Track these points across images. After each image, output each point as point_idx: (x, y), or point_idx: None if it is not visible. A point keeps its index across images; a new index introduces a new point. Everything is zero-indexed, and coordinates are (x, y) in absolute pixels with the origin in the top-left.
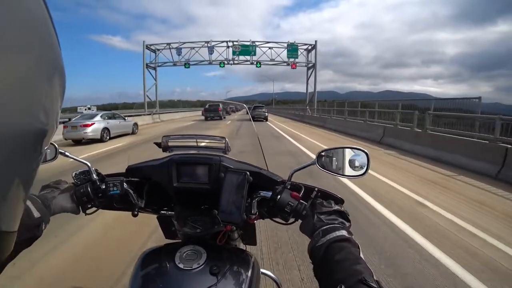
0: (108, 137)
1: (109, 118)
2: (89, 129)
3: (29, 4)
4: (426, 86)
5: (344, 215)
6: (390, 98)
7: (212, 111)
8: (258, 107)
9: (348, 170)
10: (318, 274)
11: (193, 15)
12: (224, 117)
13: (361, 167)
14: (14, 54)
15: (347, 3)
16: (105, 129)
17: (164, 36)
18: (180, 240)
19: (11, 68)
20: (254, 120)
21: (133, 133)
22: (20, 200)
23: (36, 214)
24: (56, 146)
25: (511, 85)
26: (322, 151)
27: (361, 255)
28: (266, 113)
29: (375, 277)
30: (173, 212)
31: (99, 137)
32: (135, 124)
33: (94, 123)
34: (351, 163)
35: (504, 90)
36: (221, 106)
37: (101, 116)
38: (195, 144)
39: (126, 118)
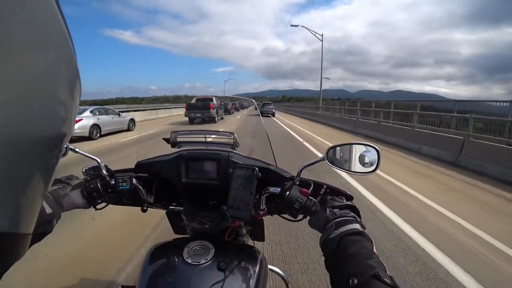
0: (98, 135)
1: (100, 113)
2: (75, 126)
3: (41, 4)
4: (437, 87)
5: (355, 210)
6: (404, 99)
7: (200, 108)
8: (267, 104)
9: (358, 167)
10: (330, 267)
11: (206, 11)
12: (222, 118)
13: (371, 164)
14: (31, 54)
15: (360, 1)
16: (95, 126)
17: (175, 31)
18: (188, 235)
19: (29, 68)
20: (262, 116)
21: (129, 129)
22: (36, 203)
23: (48, 210)
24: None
25: None
26: (332, 147)
27: (374, 250)
28: (274, 110)
29: (388, 273)
30: (181, 208)
31: (87, 134)
32: (132, 120)
33: (81, 119)
34: (361, 160)
35: None
36: (214, 101)
37: (90, 112)
38: (203, 139)
39: (120, 113)
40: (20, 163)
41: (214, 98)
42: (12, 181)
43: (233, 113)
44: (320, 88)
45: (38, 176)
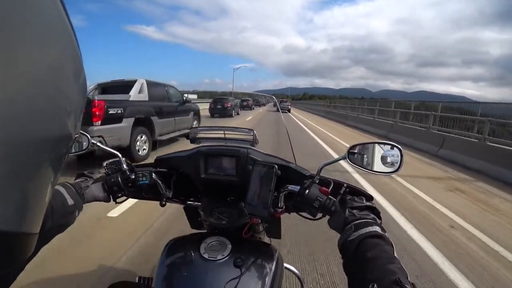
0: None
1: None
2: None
3: (45, 2)
4: (463, 88)
5: (375, 211)
6: (430, 99)
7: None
8: (283, 101)
9: (379, 166)
10: (348, 270)
11: (226, 7)
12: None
13: (393, 164)
14: (35, 52)
15: None
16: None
17: (196, 27)
18: (205, 231)
19: (34, 66)
20: (278, 111)
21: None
22: (42, 202)
23: (70, 201)
24: (89, 137)
25: None
26: (353, 146)
27: (395, 254)
28: (289, 106)
29: (409, 279)
30: (199, 203)
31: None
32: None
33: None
34: (383, 159)
35: None
36: (135, 89)
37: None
38: (223, 136)
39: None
40: (25, 162)
41: (138, 82)
42: (17, 180)
43: (238, 114)
44: None
45: (44, 175)
